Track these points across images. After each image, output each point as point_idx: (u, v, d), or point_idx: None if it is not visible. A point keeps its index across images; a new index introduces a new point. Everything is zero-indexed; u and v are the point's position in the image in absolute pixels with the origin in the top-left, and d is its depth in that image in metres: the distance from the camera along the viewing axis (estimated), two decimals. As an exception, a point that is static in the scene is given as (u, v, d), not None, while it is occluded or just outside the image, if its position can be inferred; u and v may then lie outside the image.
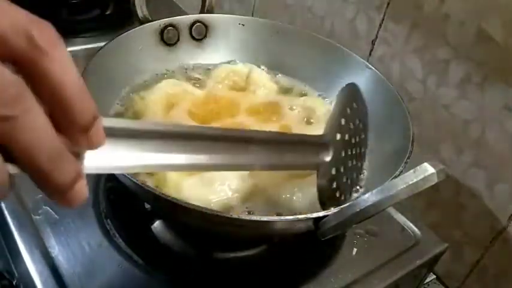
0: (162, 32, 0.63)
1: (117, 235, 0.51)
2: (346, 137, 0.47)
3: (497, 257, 0.64)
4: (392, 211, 0.60)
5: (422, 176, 0.37)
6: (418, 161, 0.38)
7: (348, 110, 0.48)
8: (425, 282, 0.67)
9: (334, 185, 0.46)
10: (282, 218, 0.42)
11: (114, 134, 0.26)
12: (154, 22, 0.63)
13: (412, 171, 0.37)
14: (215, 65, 0.67)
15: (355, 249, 0.55)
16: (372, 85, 0.61)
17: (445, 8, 0.62)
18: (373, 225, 0.58)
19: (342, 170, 0.46)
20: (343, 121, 0.47)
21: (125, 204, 0.55)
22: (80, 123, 0.22)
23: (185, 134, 0.32)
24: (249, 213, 0.48)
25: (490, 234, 0.63)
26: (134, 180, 0.41)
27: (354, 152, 0.49)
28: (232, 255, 0.53)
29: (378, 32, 0.72)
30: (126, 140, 0.28)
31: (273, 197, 0.50)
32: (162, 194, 0.40)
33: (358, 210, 0.39)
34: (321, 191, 0.45)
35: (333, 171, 0.45)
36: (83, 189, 0.24)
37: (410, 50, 0.68)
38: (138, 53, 0.62)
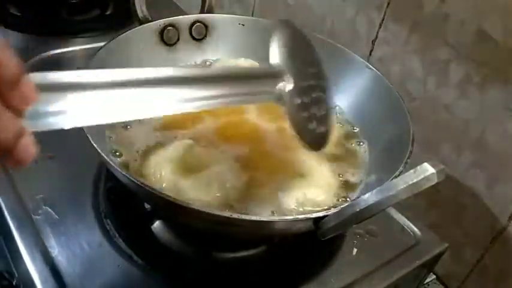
0: (162, 32, 0.63)
1: (117, 235, 0.51)
2: (303, 68, 0.47)
3: (498, 257, 0.64)
4: (392, 211, 0.60)
5: (422, 176, 0.37)
6: (418, 161, 0.38)
7: (296, 43, 0.49)
8: (425, 282, 0.67)
9: (306, 115, 0.44)
10: (282, 218, 0.42)
11: (50, 88, 0.27)
12: (154, 22, 0.63)
13: (412, 171, 0.37)
14: (216, 61, 0.67)
15: (355, 249, 0.55)
16: (372, 85, 0.61)
17: (445, 8, 0.62)
18: (373, 225, 0.58)
19: (306, 100, 0.45)
20: (295, 53, 0.47)
21: (124, 204, 0.55)
22: (4, 79, 0.23)
23: (129, 82, 0.32)
24: (248, 213, 0.48)
25: (490, 234, 0.63)
26: (134, 180, 0.41)
27: (314, 83, 0.47)
28: (232, 255, 0.53)
29: (378, 32, 0.72)
30: (66, 92, 0.28)
31: (272, 197, 0.50)
32: (162, 194, 0.40)
33: (358, 210, 0.39)
34: (293, 122, 0.44)
35: (298, 101, 0.44)
36: (29, 146, 0.25)
37: (410, 50, 0.68)
38: (138, 53, 0.62)
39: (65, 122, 0.29)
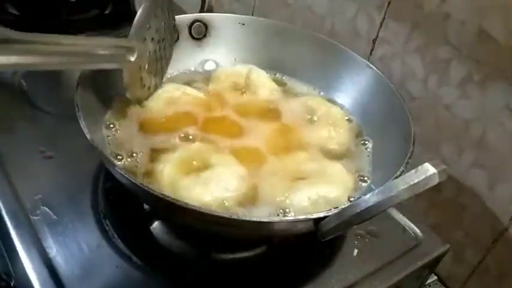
0: (161, 31, 0.63)
1: (115, 236, 0.51)
2: (152, 39, 0.55)
3: (499, 258, 0.63)
4: (393, 212, 0.60)
5: (423, 177, 0.36)
6: (419, 161, 0.38)
7: (154, 16, 0.55)
8: (426, 283, 0.66)
9: (143, 82, 0.55)
10: (282, 218, 0.42)
11: None
12: (153, 21, 0.62)
13: (413, 171, 0.37)
14: (215, 66, 0.67)
15: (356, 250, 0.55)
16: (373, 85, 0.61)
17: (446, 7, 0.61)
18: (374, 226, 0.57)
19: (146, 67, 0.54)
20: (149, 25, 0.54)
21: (123, 204, 0.54)
22: None
23: None
24: (248, 213, 0.47)
25: (492, 235, 0.63)
26: (133, 180, 0.41)
27: (159, 55, 0.57)
28: (231, 256, 0.53)
29: (378, 32, 0.72)
30: None
31: (271, 197, 0.49)
32: (162, 194, 0.40)
33: (359, 211, 0.38)
34: (128, 86, 0.53)
35: (139, 69, 0.53)
36: None
37: (411, 49, 0.67)
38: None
39: None
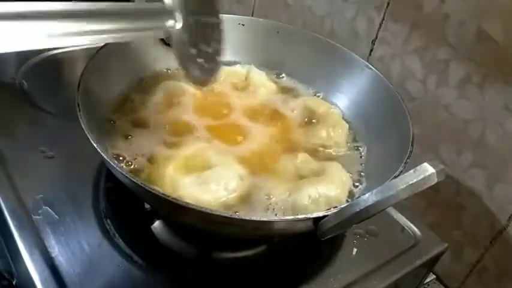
0: (161, 32, 0.63)
1: (117, 235, 0.51)
2: (195, 6, 0.50)
3: (497, 256, 0.64)
4: (392, 211, 0.60)
5: (422, 176, 0.37)
6: (418, 161, 0.38)
7: None
8: (425, 282, 0.67)
9: (194, 52, 0.50)
10: (282, 218, 0.42)
11: None
12: (154, 22, 0.62)
13: (412, 171, 0.37)
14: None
15: (355, 249, 0.55)
16: (372, 85, 0.61)
17: (445, 8, 0.62)
18: (373, 225, 0.58)
19: (196, 38, 0.50)
20: None
21: (124, 204, 0.55)
22: None
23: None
24: (247, 213, 0.48)
25: (490, 234, 0.63)
26: (134, 180, 0.41)
27: (206, 21, 0.51)
28: (232, 255, 0.53)
29: (377, 32, 0.72)
30: None
31: (271, 197, 0.50)
32: (162, 193, 0.40)
33: (358, 210, 0.39)
34: (180, 57, 0.50)
35: (186, 38, 0.49)
36: None
37: (410, 50, 0.68)
38: (138, 53, 0.62)
39: None
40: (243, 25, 0.68)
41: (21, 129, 0.63)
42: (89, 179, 0.57)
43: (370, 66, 0.61)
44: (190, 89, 0.62)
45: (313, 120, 0.61)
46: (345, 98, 0.64)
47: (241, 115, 0.60)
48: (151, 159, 0.52)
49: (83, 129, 0.44)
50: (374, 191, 0.38)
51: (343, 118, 0.62)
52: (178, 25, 0.48)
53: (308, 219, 0.41)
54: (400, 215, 0.60)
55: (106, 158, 0.42)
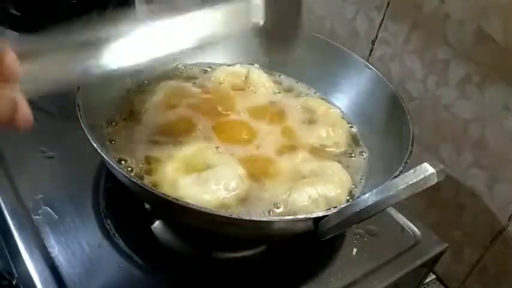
0: (161, 32, 0.63)
1: (117, 235, 0.51)
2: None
3: (497, 257, 0.64)
4: (392, 211, 0.60)
5: (422, 176, 0.37)
6: (418, 161, 0.38)
7: None
8: (425, 282, 0.67)
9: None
10: (282, 218, 0.42)
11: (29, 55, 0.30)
12: (154, 22, 0.62)
13: (412, 171, 0.37)
14: (214, 66, 0.67)
15: (355, 249, 0.55)
16: (372, 85, 0.61)
17: (445, 8, 0.62)
18: (373, 225, 0.58)
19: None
20: None
21: (124, 204, 0.55)
22: None
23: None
24: (247, 213, 0.48)
25: (490, 234, 0.63)
26: (134, 180, 0.41)
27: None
28: (232, 255, 0.53)
29: (377, 32, 0.72)
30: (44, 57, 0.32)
31: (271, 196, 0.50)
32: (162, 193, 0.40)
33: (358, 210, 0.39)
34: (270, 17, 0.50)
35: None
36: (25, 113, 0.29)
37: (410, 50, 0.68)
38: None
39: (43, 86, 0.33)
40: (243, 25, 0.68)
41: (21, 129, 0.63)
42: (89, 179, 0.57)
43: (370, 66, 0.61)
44: (190, 89, 0.62)
45: (313, 120, 0.61)
46: (344, 98, 0.64)
47: (241, 115, 0.60)
48: (151, 159, 0.52)
49: (83, 129, 0.44)
50: (374, 191, 0.38)
51: (343, 118, 0.62)
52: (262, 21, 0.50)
53: (308, 219, 0.41)
54: (400, 215, 0.60)
55: (106, 158, 0.42)
